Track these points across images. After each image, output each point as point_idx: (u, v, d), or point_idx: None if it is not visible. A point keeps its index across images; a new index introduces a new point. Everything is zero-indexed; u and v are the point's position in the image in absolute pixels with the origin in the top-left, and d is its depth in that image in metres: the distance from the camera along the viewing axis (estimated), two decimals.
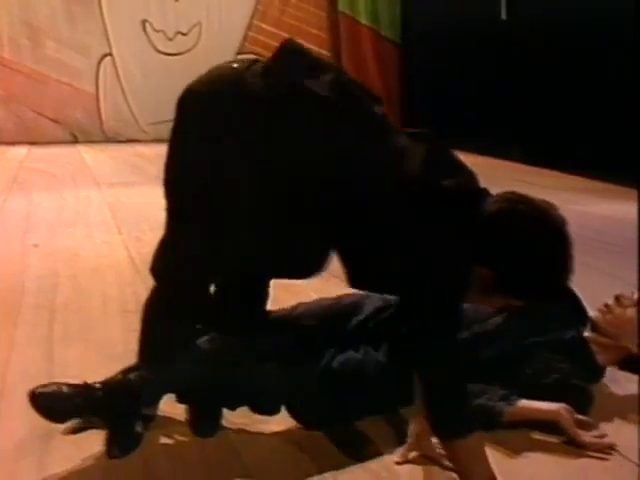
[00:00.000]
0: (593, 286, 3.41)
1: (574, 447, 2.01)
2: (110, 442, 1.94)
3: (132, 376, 1.95)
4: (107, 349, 2.74)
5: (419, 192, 1.63)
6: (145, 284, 3.51)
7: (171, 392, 2.04)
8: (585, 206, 5.53)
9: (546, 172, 7.08)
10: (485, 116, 8.42)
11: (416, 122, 9.80)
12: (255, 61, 1.94)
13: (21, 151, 8.66)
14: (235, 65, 1.98)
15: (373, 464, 1.96)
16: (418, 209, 1.61)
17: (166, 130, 9.90)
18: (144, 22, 9.67)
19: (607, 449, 1.98)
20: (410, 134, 1.79)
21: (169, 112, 9.29)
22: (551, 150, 7.35)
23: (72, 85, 9.56)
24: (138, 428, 1.93)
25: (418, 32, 9.76)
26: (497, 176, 7.29)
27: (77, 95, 9.59)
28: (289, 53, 1.89)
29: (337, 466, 1.94)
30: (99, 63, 9.65)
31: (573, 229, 5.04)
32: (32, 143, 9.20)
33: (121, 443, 1.93)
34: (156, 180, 7.69)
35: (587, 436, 2.01)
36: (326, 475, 1.91)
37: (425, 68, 9.57)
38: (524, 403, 2.03)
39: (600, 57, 6.75)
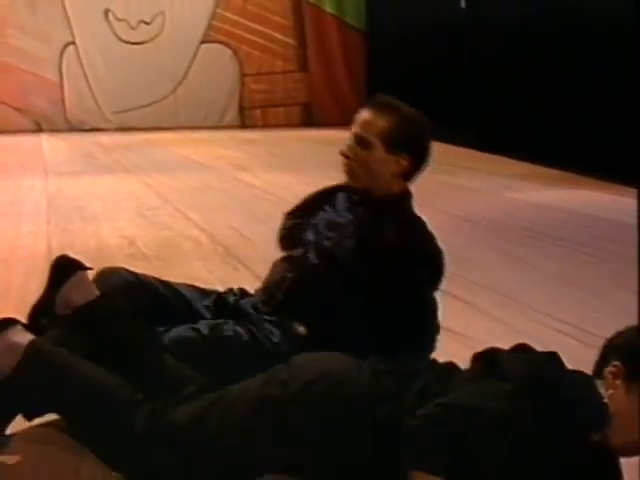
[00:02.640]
0: (514, 274, 3.48)
1: None
2: None
3: None
4: None
5: None
6: None
7: None
8: (520, 193, 5.58)
9: (499, 159, 7.12)
10: (446, 103, 8.47)
11: None
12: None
13: None
14: None
15: None
16: None
17: (129, 119, 10.01)
18: (107, 11, 9.68)
19: None
20: None
21: (133, 101, 9.38)
22: (507, 137, 7.40)
23: (35, 74, 9.59)
24: None
25: (382, 20, 9.77)
26: (442, 161, 7.34)
27: (41, 84, 9.61)
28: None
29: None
30: (62, 52, 9.68)
31: (502, 217, 5.05)
32: None
33: None
34: (105, 170, 7.70)
35: None
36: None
37: (390, 56, 9.59)
38: None
39: (556, 44, 6.79)
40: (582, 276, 3.42)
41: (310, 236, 2.12)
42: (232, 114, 10.15)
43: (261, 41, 10.10)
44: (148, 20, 9.76)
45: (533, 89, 7.06)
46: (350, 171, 2.10)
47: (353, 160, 2.06)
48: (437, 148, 8.57)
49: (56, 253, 3.99)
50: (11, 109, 9.55)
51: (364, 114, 2.08)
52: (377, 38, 9.95)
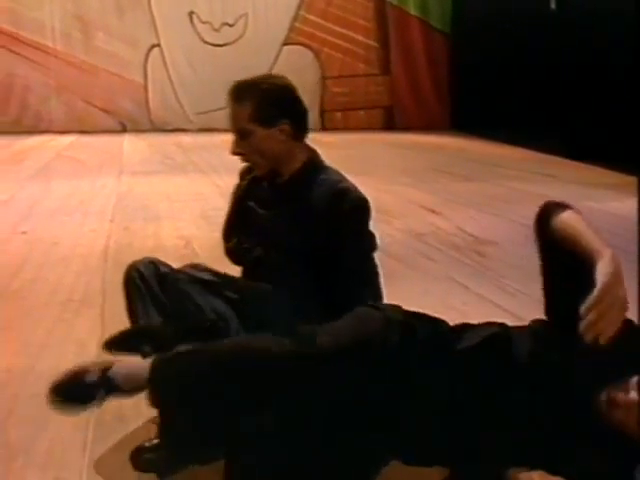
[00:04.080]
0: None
1: None
2: None
3: None
4: (27, 337, 2.78)
5: None
6: (101, 274, 3.60)
7: None
8: (599, 202, 5.30)
9: (586, 167, 6.81)
10: (532, 107, 8.21)
11: (465, 112, 9.63)
12: None
13: (67, 139, 8.94)
14: None
15: None
16: None
17: (212, 120, 10.10)
18: (191, 14, 9.83)
19: None
20: None
21: (215, 102, 9.42)
22: (596, 144, 7.09)
23: (121, 76, 9.82)
24: None
25: (468, 22, 9.55)
26: (522, 168, 7.11)
27: (126, 85, 9.84)
28: None
29: None
30: (147, 54, 9.89)
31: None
32: (83, 132, 9.49)
33: None
34: (178, 170, 7.72)
35: None
36: None
37: (474, 58, 9.36)
38: None
39: None
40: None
41: (256, 241, 2.18)
42: (313, 116, 10.03)
43: (343, 43, 10.04)
44: (231, 22, 9.87)
45: (623, 93, 6.73)
46: (251, 164, 2.15)
47: (247, 153, 2.11)
48: (519, 154, 8.22)
49: (111, 252, 4.05)
50: (98, 110, 9.82)
51: (230, 109, 2.13)
52: (461, 41, 9.74)
